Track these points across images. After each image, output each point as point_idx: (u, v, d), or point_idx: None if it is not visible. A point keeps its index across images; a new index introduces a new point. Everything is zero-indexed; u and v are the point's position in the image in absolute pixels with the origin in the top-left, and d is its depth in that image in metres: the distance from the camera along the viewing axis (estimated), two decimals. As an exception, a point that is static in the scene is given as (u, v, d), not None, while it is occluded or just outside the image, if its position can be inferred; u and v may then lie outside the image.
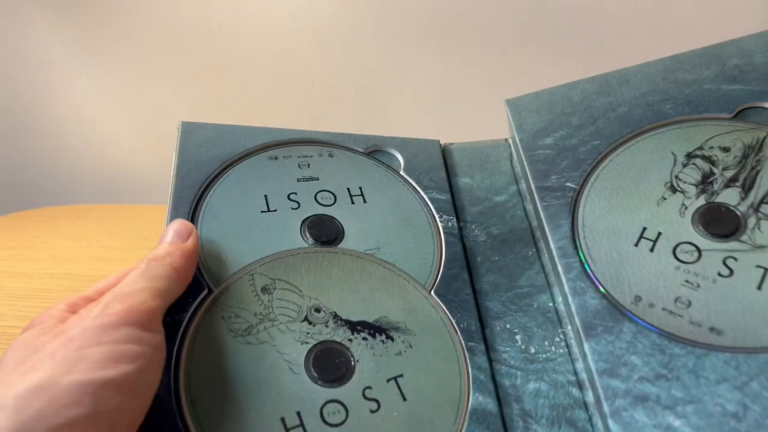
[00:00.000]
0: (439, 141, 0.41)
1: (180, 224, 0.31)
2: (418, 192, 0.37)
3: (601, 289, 0.30)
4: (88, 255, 0.46)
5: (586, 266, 0.31)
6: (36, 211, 0.59)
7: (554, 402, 0.30)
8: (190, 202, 0.33)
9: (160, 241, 0.30)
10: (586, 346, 0.28)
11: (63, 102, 0.68)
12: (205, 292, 0.30)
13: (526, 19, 0.61)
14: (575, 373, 0.31)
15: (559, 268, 0.31)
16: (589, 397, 0.30)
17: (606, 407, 0.26)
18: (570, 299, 0.30)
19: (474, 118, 0.64)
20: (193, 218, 0.33)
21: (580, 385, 0.31)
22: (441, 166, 0.39)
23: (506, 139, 0.42)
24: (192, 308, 0.30)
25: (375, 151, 0.39)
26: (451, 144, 0.42)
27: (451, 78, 0.63)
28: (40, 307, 0.43)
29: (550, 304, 0.34)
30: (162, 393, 0.27)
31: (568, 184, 0.34)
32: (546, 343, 0.32)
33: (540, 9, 0.61)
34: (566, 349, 0.32)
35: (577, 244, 0.31)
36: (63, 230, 0.54)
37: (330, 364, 0.29)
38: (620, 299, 0.29)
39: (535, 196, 0.34)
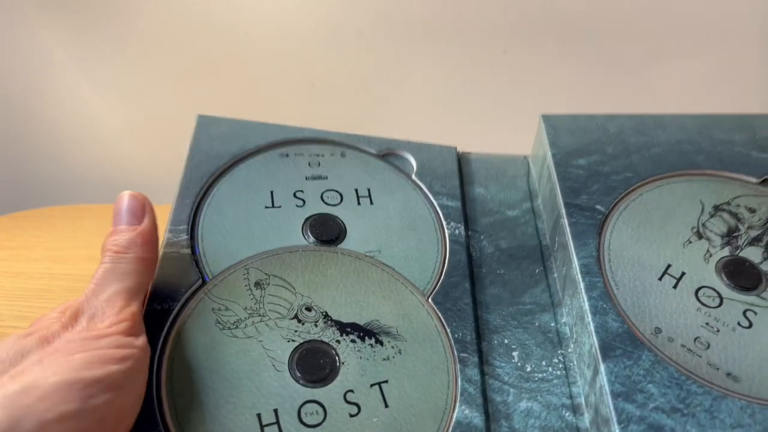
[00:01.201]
0: (455, 148, 0.40)
1: (131, 201, 0.29)
2: (428, 197, 0.37)
3: (623, 313, 0.29)
4: (87, 255, 0.46)
5: (608, 288, 0.30)
6: (35, 211, 0.59)
7: (545, 424, 0.29)
8: (196, 194, 0.34)
9: (115, 223, 0.29)
10: (602, 366, 0.27)
11: (63, 102, 0.68)
12: (199, 282, 0.30)
13: (526, 19, 0.60)
14: (571, 396, 0.30)
15: (581, 285, 0.30)
16: (584, 423, 0.29)
17: (619, 430, 0.26)
18: (590, 317, 0.29)
19: (475, 117, 0.62)
20: (197, 209, 0.33)
21: (574, 410, 0.29)
22: (455, 173, 0.38)
23: (525, 156, 0.41)
24: (184, 298, 0.30)
25: (388, 154, 0.39)
26: (469, 153, 0.41)
27: (451, 78, 0.62)
28: (39, 308, 0.44)
29: (552, 324, 0.32)
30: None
31: (598, 206, 0.33)
32: (543, 363, 0.31)
33: (540, 9, 0.60)
34: (564, 372, 0.30)
35: (602, 265, 0.31)
36: (62, 230, 0.54)
37: (314, 364, 0.28)
38: (640, 327, 0.29)
39: (563, 211, 0.33)
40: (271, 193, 0.35)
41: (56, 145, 0.72)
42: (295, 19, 0.61)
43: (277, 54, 0.62)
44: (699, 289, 0.30)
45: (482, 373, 0.30)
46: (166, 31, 0.63)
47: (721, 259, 0.31)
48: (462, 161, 0.40)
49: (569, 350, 0.31)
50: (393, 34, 0.61)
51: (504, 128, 0.39)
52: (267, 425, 0.26)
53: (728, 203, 0.34)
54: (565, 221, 0.33)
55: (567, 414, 0.29)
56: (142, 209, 0.29)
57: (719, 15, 0.59)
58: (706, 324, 0.29)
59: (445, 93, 0.63)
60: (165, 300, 0.29)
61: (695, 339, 0.28)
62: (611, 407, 0.26)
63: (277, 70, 0.62)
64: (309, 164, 0.37)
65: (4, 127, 0.71)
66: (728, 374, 0.27)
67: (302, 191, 0.35)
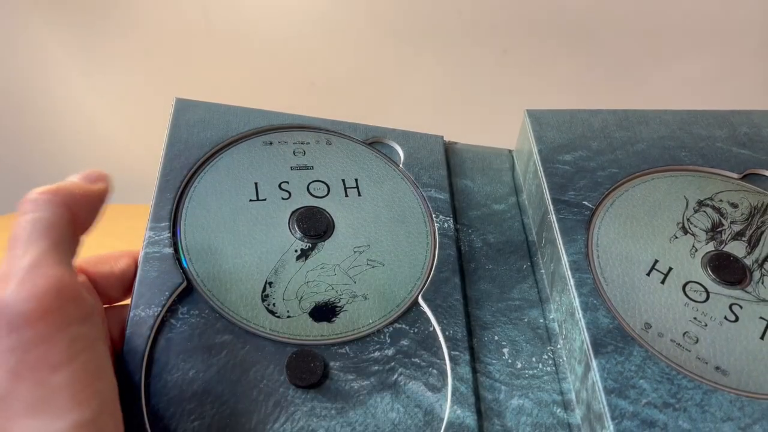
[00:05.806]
0: (442, 137, 0.39)
1: (91, 170, 0.26)
2: (417, 188, 0.36)
3: (613, 309, 0.30)
4: (87, 255, 0.44)
5: (598, 284, 0.30)
6: (36, 211, 0.57)
7: (537, 421, 0.29)
8: (176, 188, 0.32)
9: None
10: (594, 363, 0.28)
11: (62, 101, 0.67)
12: (184, 284, 0.29)
13: (526, 19, 0.60)
14: (561, 393, 0.30)
15: (571, 282, 0.30)
16: (575, 419, 0.29)
17: (612, 427, 0.26)
18: (581, 314, 0.29)
19: (475, 117, 0.63)
20: (178, 204, 0.31)
21: (565, 406, 0.29)
22: (442, 163, 0.38)
23: (510, 151, 0.40)
24: (168, 302, 0.28)
25: (375, 142, 0.38)
26: (455, 143, 0.40)
27: (451, 77, 0.62)
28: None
29: (541, 321, 0.32)
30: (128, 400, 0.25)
31: (585, 202, 0.34)
32: (533, 359, 0.31)
33: (540, 9, 0.60)
34: (554, 368, 0.31)
35: (590, 261, 0.31)
36: (62, 230, 0.52)
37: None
38: (630, 323, 0.29)
39: (550, 207, 0.33)
40: (255, 184, 0.34)
41: (56, 145, 0.70)
42: (294, 19, 0.61)
43: (276, 53, 0.61)
44: (686, 284, 0.31)
45: (474, 371, 0.30)
46: (165, 30, 0.63)
47: (706, 254, 0.32)
48: (448, 151, 0.39)
49: (558, 346, 0.31)
50: (393, 33, 0.61)
51: (507, 132, 0.38)
52: None
53: (711, 198, 0.35)
54: (553, 217, 0.33)
55: (558, 410, 0.29)
56: (98, 178, 0.25)
57: (719, 14, 0.59)
58: (694, 318, 0.30)
59: (447, 92, 0.63)
60: (149, 305, 0.28)
61: (684, 334, 0.29)
62: (604, 403, 0.26)
63: (277, 69, 0.61)
64: (294, 153, 0.36)
65: (4, 128, 0.68)
66: (717, 368, 0.28)
67: (287, 182, 0.34)
